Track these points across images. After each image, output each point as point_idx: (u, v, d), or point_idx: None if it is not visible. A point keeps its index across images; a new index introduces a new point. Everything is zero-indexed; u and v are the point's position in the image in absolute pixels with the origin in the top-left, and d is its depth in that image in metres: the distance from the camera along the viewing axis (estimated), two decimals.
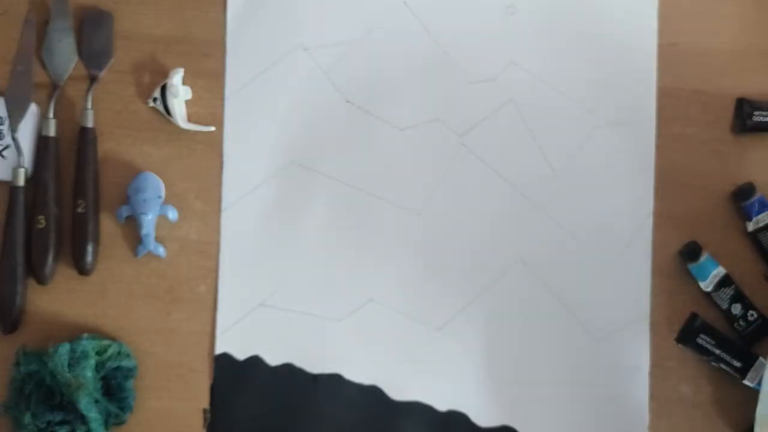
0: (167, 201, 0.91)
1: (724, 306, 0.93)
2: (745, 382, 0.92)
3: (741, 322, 0.93)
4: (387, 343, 0.92)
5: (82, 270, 0.90)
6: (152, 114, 0.92)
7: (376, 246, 0.93)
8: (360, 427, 0.91)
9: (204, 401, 0.91)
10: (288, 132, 0.93)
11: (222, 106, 0.93)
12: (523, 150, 0.94)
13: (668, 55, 0.95)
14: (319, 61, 0.93)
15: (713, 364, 0.92)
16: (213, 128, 0.92)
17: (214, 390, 0.91)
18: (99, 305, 0.91)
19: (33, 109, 0.91)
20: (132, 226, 0.91)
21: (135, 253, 0.91)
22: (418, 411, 0.91)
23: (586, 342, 0.93)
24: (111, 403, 0.87)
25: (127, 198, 0.91)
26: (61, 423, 0.86)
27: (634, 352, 0.93)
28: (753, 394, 0.92)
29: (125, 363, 0.88)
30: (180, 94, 0.91)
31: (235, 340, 0.91)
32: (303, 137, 0.93)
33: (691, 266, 0.92)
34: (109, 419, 0.87)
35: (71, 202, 0.90)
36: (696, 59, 0.95)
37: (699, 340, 0.92)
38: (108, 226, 0.91)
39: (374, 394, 0.91)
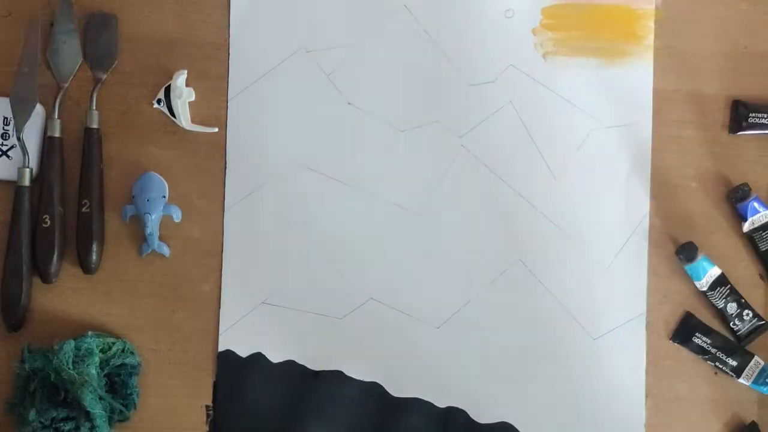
0: (171, 201, 0.92)
1: (720, 305, 0.93)
2: (741, 380, 0.92)
3: (736, 322, 0.93)
4: (387, 341, 0.92)
5: (87, 269, 0.90)
6: (156, 115, 0.93)
7: (376, 245, 0.93)
8: (360, 423, 0.92)
9: (207, 398, 0.91)
10: (290, 133, 0.94)
11: (225, 108, 0.93)
12: (522, 151, 0.95)
13: (665, 57, 0.95)
14: (322, 64, 0.94)
15: (709, 363, 0.93)
16: (216, 129, 0.93)
17: (217, 387, 0.91)
18: (103, 303, 0.91)
19: (38, 110, 0.91)
20: (136, 226, 0.92)
21: (139, 252, 0.92)
22: (418, 407, 0.92)
23: (584, 341, 0.93)
24: (115, 399, 0.88)
25: (132, 198, 0.91)
26: (66, 420, 0.86)
27: (631, 351, 0.93)
28: (749, 393, 0.93)
29: (129, 360, 0.89)
30: (184, 95, 0.91)
31: (237, 338, 0.91)
32: (305, 138, 0.94)
33: (687, 266, 0.92)
34: (113, 416, 0.88)
35: (76, 201, 0.91)
36: (692, 61, 0.96)
37: (695, 340, 0.93)
38: (113, 226, 0.92)
39: (375, 390, 0.92)
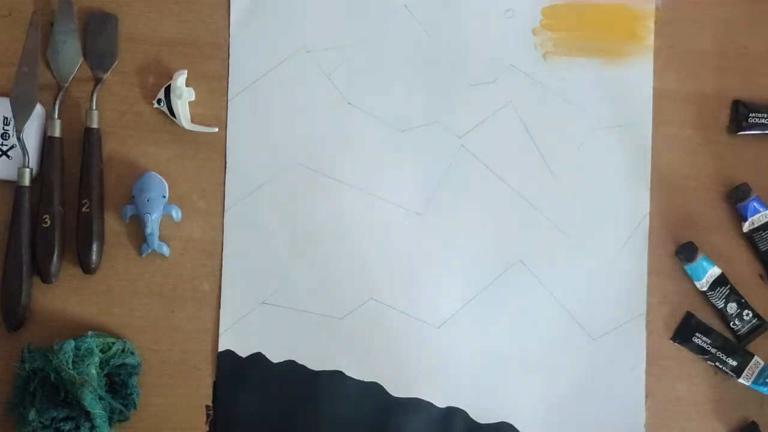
0: (171, 201, 0.92)
1: (720, 305, 0.93)
2: (741, 380, 0.92)
3: (736, 322, 0.93)
4: (387, 341, 0.92)
5: (87, 269, 0.90)
6: (156, 115, 0.93)
7: (376, 245, 0.93)
8: (360, 423, 0.91)
9: (207, 398, 0.91)
10: (290, 133, 0.94)
11: (225, 108, 0.93)
12: (522, 151, 0.95)
13: (665, 57, 0.96)
14: (322, 64, 0.94)
15: (709, 363, 0.93)
16: (216, 129, 0.93)
17: (216, 387, 0.91)
18: (103, 303, 0.91)
19: (38, 110, 0.91)
20: (136, 226, 0.92)
21: (139, 252, 0.92)
22: (418, 407, 0.92)
23: (584, 341, 0.93)
24: (115, 399, 0.88)
25: (132, 198, 0.91)
26: (66, 419, 0.86)
27: (631, 351, 0.93)
28: (749, 393, 0.93)
29: (129, 360, 0.89)
30: (184, 95, 0.91)
31: (237, 338, 0.92)
32: (305, 138, 0.94)
33: (687, 266, 0.93)
34: (113, 416, 0.88)
35: (76, 201, 0.91)
36: (692, 61, 0.96)
37: (695, 339, 0.93)
38: (112, 226, 0.92)
39: (375, 390, 0.92)
